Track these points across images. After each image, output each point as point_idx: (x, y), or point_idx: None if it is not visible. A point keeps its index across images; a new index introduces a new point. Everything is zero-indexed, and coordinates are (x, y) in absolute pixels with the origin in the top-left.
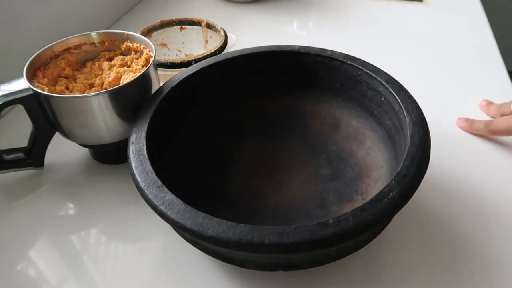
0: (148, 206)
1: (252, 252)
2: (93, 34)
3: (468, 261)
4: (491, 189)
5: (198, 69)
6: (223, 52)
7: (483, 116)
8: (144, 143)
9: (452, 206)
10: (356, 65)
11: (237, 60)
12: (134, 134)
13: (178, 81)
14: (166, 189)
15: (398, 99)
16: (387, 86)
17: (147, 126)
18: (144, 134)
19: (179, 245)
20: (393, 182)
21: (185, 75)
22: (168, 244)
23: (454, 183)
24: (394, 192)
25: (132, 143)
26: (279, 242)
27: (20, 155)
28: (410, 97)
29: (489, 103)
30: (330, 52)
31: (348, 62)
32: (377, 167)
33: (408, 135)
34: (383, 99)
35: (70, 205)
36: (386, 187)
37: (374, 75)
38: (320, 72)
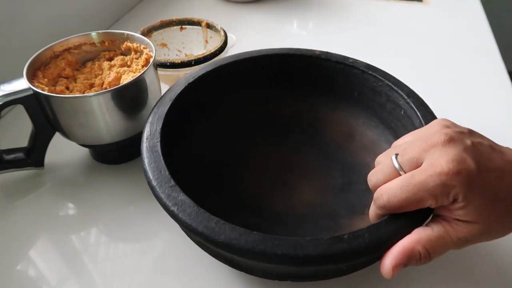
0: (149, 206)
1: (263, 262)
2: (93, 34)
3: (477, 264)
4: None
5: (215, 66)
6: (224, 52)
7: (477, 118)
8: (159, 139)
9: None
10: (377, 76)
11: (255, 61)
12: (149, 130)
13: (195, 78)
14: (179, 189)
15: (419, 115)
16: (409, 100)
17: (162, 122)
18: (159, 130)
19: (180, 245)
20: None
21: (202, 72)
22: (169, 244)
23: None
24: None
25: (147, 138)
26: (292, 254)
27: (20, 155)
28: (431, 113)
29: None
30: (351, 60)
31: (369, 72)
32: None
33: None
34: (403, 113)
35: (70, 205)
36: None
37: (395, 88)
38: (339, 79)
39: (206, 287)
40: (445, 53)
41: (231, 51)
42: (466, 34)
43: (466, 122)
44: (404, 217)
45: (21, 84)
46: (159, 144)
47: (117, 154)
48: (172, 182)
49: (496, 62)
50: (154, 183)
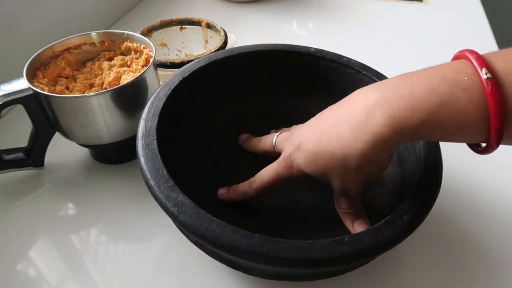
0: (149, 206)
1: (265, 264)
2: (93, 34)
3: (475, 263)
4: (493, 190)
5: (209, 61)
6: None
7: None
8: (155, 137)
9: (456, 208)
10: (371, 76)
11: (250, 55)
12: (144, 126)
13: (190, 72)
14: (178, 189)
15: None
16: None
17: (157, 118)
18: (154, 127)
19: (180, 245)
20: (408, 205)
21: (197, 66)
22: (169, 244)
23: (456, 184)
24: (408, 215)
25: (142, 135)
26: (294, 257)
27: (20, 155)
28: None
29: (248, 137)
30: (345, 59)
31: (364, 72)
32: (381, 181)
33: (422, 157)
34: None
35: (70, 205)
36: (400, 209)
37: None
38: (332, 77)
39: (205, 287)
40: (445, 53)
41: None
42: (466, 34)
43: None
44: (400, 222)
45: (21, 84)
46: (155, 141)
47: (117, 154)
48: (171, 182)
49: None
50: (152, 182)
